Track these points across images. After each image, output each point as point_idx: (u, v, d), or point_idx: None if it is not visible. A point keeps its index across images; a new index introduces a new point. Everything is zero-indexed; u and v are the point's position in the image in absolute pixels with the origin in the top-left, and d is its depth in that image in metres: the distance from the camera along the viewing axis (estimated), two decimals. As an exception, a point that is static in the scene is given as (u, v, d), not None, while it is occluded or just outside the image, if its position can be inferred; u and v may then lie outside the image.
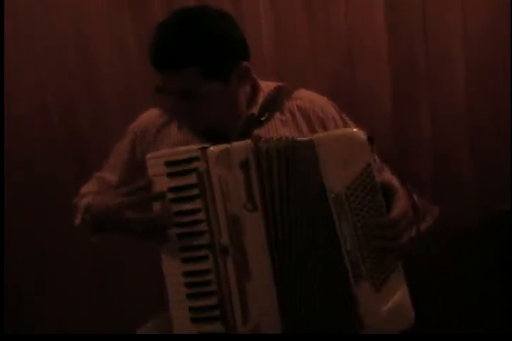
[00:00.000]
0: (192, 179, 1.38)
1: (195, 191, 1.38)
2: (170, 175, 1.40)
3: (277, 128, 1.58)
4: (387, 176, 1.60)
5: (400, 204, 1.34)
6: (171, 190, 1.40)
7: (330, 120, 1.61)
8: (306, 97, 1.64)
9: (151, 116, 1.66)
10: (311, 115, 1.61)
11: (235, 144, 1.36)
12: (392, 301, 1.35)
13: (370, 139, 1.32)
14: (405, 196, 1.37)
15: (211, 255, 1.38)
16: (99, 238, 1.60)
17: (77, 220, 1.62)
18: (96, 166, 1.78)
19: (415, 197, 1.52)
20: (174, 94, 1.47)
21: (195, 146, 1.40)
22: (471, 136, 2.55)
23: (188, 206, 1.39)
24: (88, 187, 1.72)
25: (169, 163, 1.40)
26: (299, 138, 1.37)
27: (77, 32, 2.48)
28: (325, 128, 1.60)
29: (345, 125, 1.64)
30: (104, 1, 2.48)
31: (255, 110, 1.58)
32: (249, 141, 1.36)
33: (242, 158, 1.34)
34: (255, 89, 1.62)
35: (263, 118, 1.57)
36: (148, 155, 1.43)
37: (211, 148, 1.36)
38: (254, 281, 1.36)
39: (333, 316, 1.37)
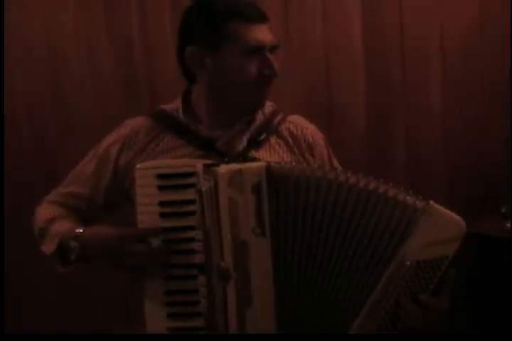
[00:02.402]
0: (188, 195, 1.32)
1: (192, 207, 1.32)
2: (161, 188, 1.34)
3: (276, 150, 1.54)
4: None
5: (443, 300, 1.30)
6: (162, 203, 1.34)
7: (317, 148, 1.60)
8: (298, 123, 1.61)
9: (140, 125, 1.57)
10: (301, 142, 1.58)
11: (248, 166, 1.31)
12: None
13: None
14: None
15: (203, 276, 1.32)
16: (70, 269, 1.49)
17: (50, 248, 1.48)
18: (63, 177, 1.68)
19: None
20: (269, 49, 1.47)
21: (194, 161, 1.35)
22: (447, 157, 2.56)
23: (179, 222, 1.33)
24: (51, 210, 1.58)
25: (162, 176, 1.34)
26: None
27: (47, 42, 2.43)
28: (313, 156, 1.58)
29: (329, 158, 1.64)
30: (77, 6, 2.42)
31: (255, 126, 1.55)
32: (262, 164, 1.30)
33: (254, 181, 1.28)
34: None
35: (261, 138, 1.53)
36: (138, 166, 1.37)
37: (223, 169, 1.28)
38: (255, 308, 1.30)
39: None
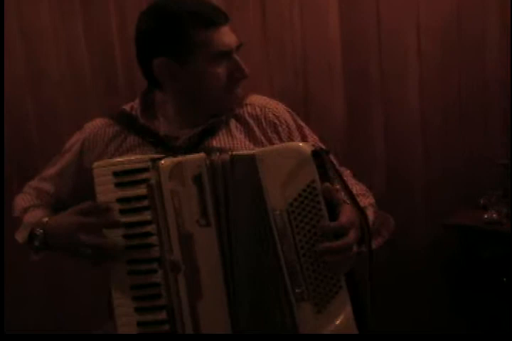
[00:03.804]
0: (142, 190, 1.34)
1: (145, 203, 1.34)
2: (118, 185, 1.36)
3: (233, 136, 1.54)
4: (350, 182, 1.54)
5: (345, 217, 1.27)
6: (120, 200, 1.36)
7: (282, 124, 1.57)
8: (257, 103, 1.60)
9: (99, 126, 1.59)
10: (262, 121, 1.57)
11: (189, 157, 1.32)
12: (336, 325, 1.29)
13: (318, 152, 1.27)
14: (352, 210, 1.31)
15: (161, 269, 1.34)
16: (42, 257, 1.53)
17: (22, 236, 1.54)
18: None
19: (371, 209, 1.51)
20: (236, 50, 1.48)
21: (144, 156, 1.36)
22: (425, 149, 2.56)
23: (137, 218, 1.35)
24: (27, 199, 1.65)
25: (117, 173, 1.36)
26: (240, 152, 1.35)
27: (25, 38, 2.44)
28: (278, 133, 1.56)
29: (300, 130, 1.61)
30: (55, 8, 2.44)
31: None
32: (202, 154, 1.32)
33: (195, 172, 1.30)
34: None
35: (214, 126, 1.53)
36: (95, 164, 1.39)
37: (163, 161, 1.31)
38: (206, 298, 1.33)
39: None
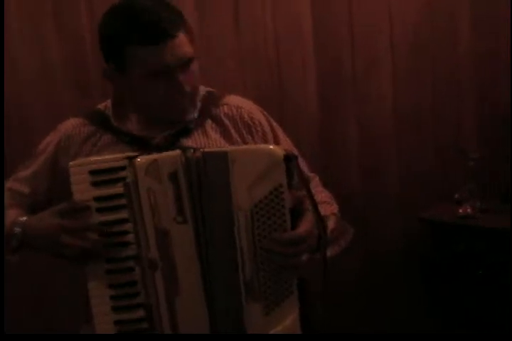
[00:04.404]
0: (118, 188, 1.34)
1: (122, 201, 1.34)
2: (94, 184, 1.35)
3: (208, 135, 1.55)
4: (316, 189, 1.60)
5: (304, 226, 1.32)
6: (96, 199, 1.35)
7: (257, 126, 1.59)
8: (233, 103, 1.60)
9: (74, 126, 1.59)
10: (238, 121, 1.58)
11: (164, 155, 1.32)
12: (283, 325, 1.34)
13: (289, 157, 1.29)
14: (312, 220, 1.34)
15: (138, 267, 1.34)
16: (19, 257, 1.52)
17: None
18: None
19: (333, 218, 1.54)
20: (176, 68, 1.41)
21: (121, 155, 1.36)
22: (399, 146, 2.59)
23: (114, 216, 1.35)
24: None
25: (94, 172, 1.35)
26: (213, 149, 1.36)
27: None
28: (252, 135, 1.58)
29: (274, 133, 1.63)
30: (24, 10, 2.41)
31: (195, 114, 1.54)
32: (178, 152, 1.32)
33: (171, 170, 1.31)
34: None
35: (192, 126, 1.54)
36: (71, 163, 1.38)
37: (139, 159, 1.31)
38: (184, 295, 1.34)
39: None
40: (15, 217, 1.51)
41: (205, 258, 1.34)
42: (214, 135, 1.55)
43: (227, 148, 1.38)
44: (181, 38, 1.40)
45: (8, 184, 1.66)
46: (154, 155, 1.32)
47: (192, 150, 1.33)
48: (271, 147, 1.32)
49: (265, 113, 1.65)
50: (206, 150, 1.34)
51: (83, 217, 1.35)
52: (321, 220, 1.35)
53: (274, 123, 1.65)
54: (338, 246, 1.52)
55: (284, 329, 1.34)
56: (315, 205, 1.34)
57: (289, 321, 1.34)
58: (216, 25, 2.48)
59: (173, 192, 1.31)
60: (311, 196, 1.34)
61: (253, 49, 2.51)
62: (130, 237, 1.34)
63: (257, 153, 1.31)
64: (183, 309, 1.34)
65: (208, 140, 1.54)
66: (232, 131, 1.57)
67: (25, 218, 1.48)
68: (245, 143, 1.56)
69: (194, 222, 1.32)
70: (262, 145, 1.48)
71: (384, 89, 2.57)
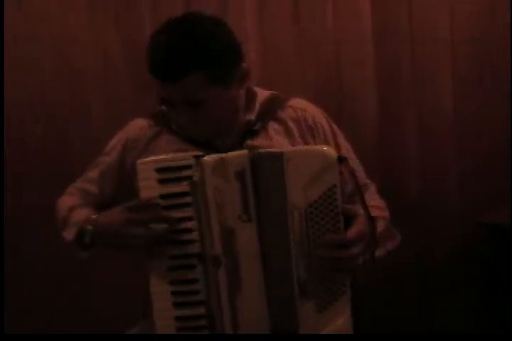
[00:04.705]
0: (184, 187, 1.36)
1: (188, 199, 1.36)
2: (161, 181, 1.38)
3: (271, 138, 1.57)
4: (370, 197, 1.62)
5: (357, 228, 1.33)
6: (162, 197, 1.38)
7: (319, 130, 1.61)
8: (298, 106, 1.63)
9: (140, 127, 1.64)
10: (302, 124, 1.60)
11: (231, 154, 1.35)
12: (335, 325, 1.35)
13: (342, 159, 1.31)
14: (365, 222, 1.36)
15: (201, 265, 1.37)
16: (91, 254, 1.57)
17: (70, 235, 1.56)
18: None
19: (382, 221, 1.54)
20: (180, 103, 1.45)
21: (188, 154, 1.38)
22: (459, 145, 2.55)
23: (179, 214, 1.37)
24: (72, 199, 1.68)
25: (160, 170, 1.38)
26: (270, 150, 1.38)
27: (61, 40, 2.48)
28: (314, 138, 1.60)
29: (335, 136, 1.65)
30: (89, 7, 2.47)
31: (252, 116, 1.57)
32: (245, 151, 1.35)
33: (237, 169, 1.33)
34: (250, 93, 1.60)
35: (256, 127, 1.57)
36: (139, 161, 1.41)
37: (206, 158, 1.34)
38: (245, 293, 1.36)
39: None
40: (87, 215, 1.56)
41: (267, 256, 1.35)
42: (276, 137, 1.57)
43: (283, 149, 1.39)
44: (191, 79, 1.39)
45: (79, 184, 1.71)
46: (221, 155, 1.34)
47: (257, 150, 1.36)
48: (324, 148, 1.34)
49: (328, 117, 1.67)
50: (263, 150, 1.37)
51: (151, 212, 1.38)
52: (371, 220, 1.37)
53: (336, 128, 1.67)
54: (383, 249, 1.52)
55: (336, 330, 1.36)
56: (365, 204, 1.36)
57: (341, 321, 1.36)
58: (276, 25, 2.48)
59: (238, 190, 1.33)
60: (360, 195, 1.37)
61: (313, 48, 2.51)
62: (194, 235, 1.37)
63: (312, 153, 1.34)
64: (244, 307, 1.36)
65: (270, 142, 1.56)
66: (296, 133, 1.59)
67: (95, 216, 1.53)
68: (306, 144, 1.58)
69: (257, 220, 1.35)
70: (317, 146, 1.49)
71: (444, 89, 2.53)
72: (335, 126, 1.67)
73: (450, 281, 2.55)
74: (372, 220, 1.37)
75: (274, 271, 1.36)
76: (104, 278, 2.56)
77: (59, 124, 2.53)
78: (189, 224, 1.37)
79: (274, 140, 1.56)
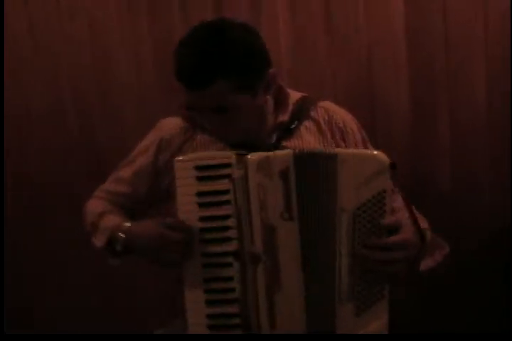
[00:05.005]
0: (223, 185, 1.37)
1: (227, 197, 1.37)
2: (199, 179, 1.38)
3: (304, 137, 1.57)
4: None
5: (403, 235, 1.34)
6: (200, 194, 1.38)
7: (349, 133, 1.62)
8: (330, 108, 1.64)
9: (175, 126, 1.62)
10: (333, 125, 1.61)
11: (276, 153, 1.35)
12: (372, 327, 1.36)
13: (393, 165, 1.32)
14: (411, 232, 1.36)
15: (237, 262, 1.37)
16: (120, 261, 1.57)
17: (100, 241, 1.56)
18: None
19: (428, 232, 1.52)
20: (207, 111, 1.44)
21: (228, 152, 1.39)
22: (492, 145, 2.51)
23: (217, 211, 1.38)
24: (100, 204, 1.68)
25: (200, 167, 1.39)
26: (323, 150, 1.39)
27: (94, 41, 2.51)
28: (344, 140, 1.61)
29: (364, 142, 1.65)
30: (122, 10, 2.49)
31: (285, 117, 1.57)
32: (290, 151, 1.36)
33: (282, 167, 1.34)
34: (283, 95, 1.60)
35: (292, 127, 1.56)
36: (177, 158, 1.41)
37: (250, 156, 1.34)
38: (284, 292, 1.36)
39: None
40: (118, 222, 1.55)
41: (308, 255, 1.35)
42: (308, 137, 1.57)
43: (336, 150, 1.39)
44: (219, 86, 1.38)
45: (106, 185, 1.71)
46: (266, 153, 1.35)
47: (303, 149, 1.38)
48: (377, 152, 1.34)
49: (358, 124, 1.67)
50: (318, 150, 1.39)
51: (185, 235, 1.38)
52: (419, 230, 1.37)
53: (365, 134, 1.67)
54: (432, 260, 1.51)
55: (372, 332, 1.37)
56: (413, 215, 1.36)
57: (377, 325, 1.36)
58: (307, 25, 2.48)
59: (282, 189, 1.33)
60: (409, 207, 1.36)
61: (345, 49, 2.49)
62: (231, 232, 1.37)
63: (366, 157, 1.34)
64: (282, 306, 1.36)
65: (302, 142, 1.56)
66: (328, 133, 1.60)
67: (129, 224, 1.53)
68: (338, 147, 1.58)
69: (299, 219, 1.34)
70: (371, 151, 1.49)
71: (477, 90, 2.50)
72: (364, 132, 1.67)
73: (473, 275, 2.52)
74: (420, 231, 1.38)
75: (315, 271, 1.36)
76: (108, 277, 2.58)
77: (89, 124, 2.56)
78: (227, 222, 1.37)
79: (304, 139, 1.56)
